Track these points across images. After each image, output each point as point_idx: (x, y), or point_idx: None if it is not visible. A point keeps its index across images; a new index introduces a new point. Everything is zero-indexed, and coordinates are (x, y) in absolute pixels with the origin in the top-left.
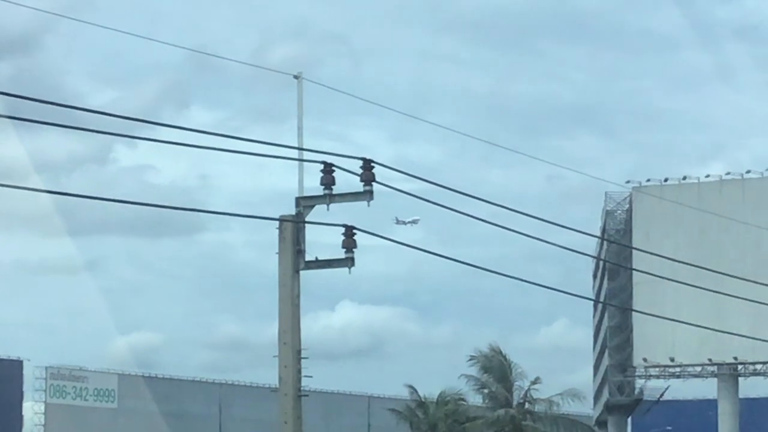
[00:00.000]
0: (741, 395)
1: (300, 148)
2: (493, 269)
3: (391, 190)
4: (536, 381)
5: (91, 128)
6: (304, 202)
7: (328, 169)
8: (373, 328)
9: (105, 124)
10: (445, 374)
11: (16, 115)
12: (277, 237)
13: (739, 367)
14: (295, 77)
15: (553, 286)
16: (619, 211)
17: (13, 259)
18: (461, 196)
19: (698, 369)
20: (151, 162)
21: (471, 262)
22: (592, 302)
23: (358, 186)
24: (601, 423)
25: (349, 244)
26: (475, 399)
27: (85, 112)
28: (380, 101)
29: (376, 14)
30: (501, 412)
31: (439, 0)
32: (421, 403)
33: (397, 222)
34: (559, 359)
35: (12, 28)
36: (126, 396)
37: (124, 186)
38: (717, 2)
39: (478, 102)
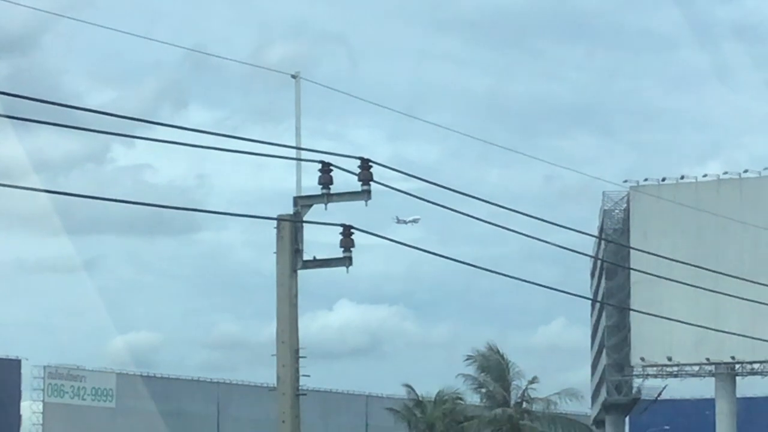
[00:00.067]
0: (738, 394)
1: (298, 148)
2: (490, 269)
3: (389, 189)
4: (534, 380)
5: (89, 128)
6: (302, 202)
7: (325, 169)
8: (371, 328)
9: (103, 124)
10: (442, 373)
11: (15, 115)
12: (275, 236)
13: (737, 366)
14: (293, 77)
15: (551, 286)
16: (616, 211)
17: (11, 259)
18: (459, 195)
19: (696, 368)
20: (149, 161)
21: (469, 262)
22: (589, 301)
23: (355, 185)
24: (599, 422)
25: (347, 243)
26: (472, 398)
27: (83, 112)
28: (378, 101)
29: (374, 14)
30: (498, 411)
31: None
32: (419, 403)
33: (398, 221)
34: (557, 358)
35: (10, 28)
36: (124, 395)
37: (122, 185)
38: (716, 2)
39: (476, 101)
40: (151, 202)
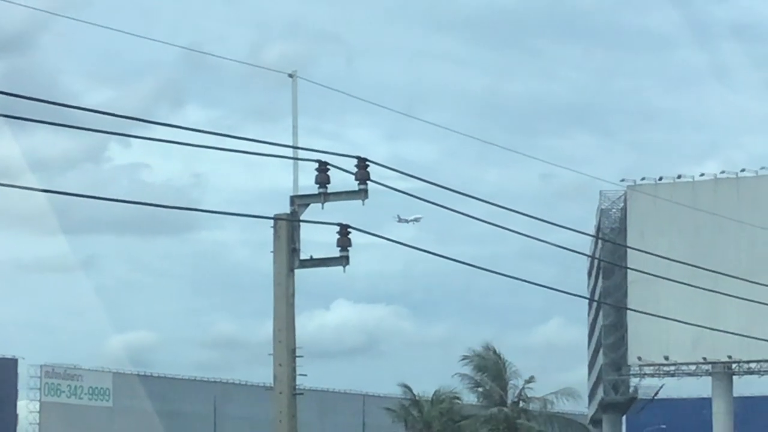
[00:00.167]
0: (735, 394)
1: (295, 147)
2: (488, 268)
3: (386, 188)
4: (531, 379)
5: (85, 127)
6: (299, 201)
7: (322, 168)
8: (368, 327)
9: (100, 123)
10: (440, 373)
11: (12, 114)
12: (271, 236)
13: (734, 365)
14: (290, 76)
15: (548, 285)
16: (613, 210)
17: (8, 258)
18: (456, 194)
19: (693, 367)
20: (146, 161)
21: (466, 261)
22: (586, 301)
23: (352, 185)
24: (596, 421)
25: (344, 242)
26: (469, 398)
27: (81, 111)
28: (375, 100)
29: (371, 13)
30: (495, 410)
31: None
32: (416, 402)
33: (400, 220)
34: (554, 358)
35: (7, 27)
36: (121, 395)
37: (119, 185)
38: (713, 1)
39: (474, 100)
40: (148, 201)
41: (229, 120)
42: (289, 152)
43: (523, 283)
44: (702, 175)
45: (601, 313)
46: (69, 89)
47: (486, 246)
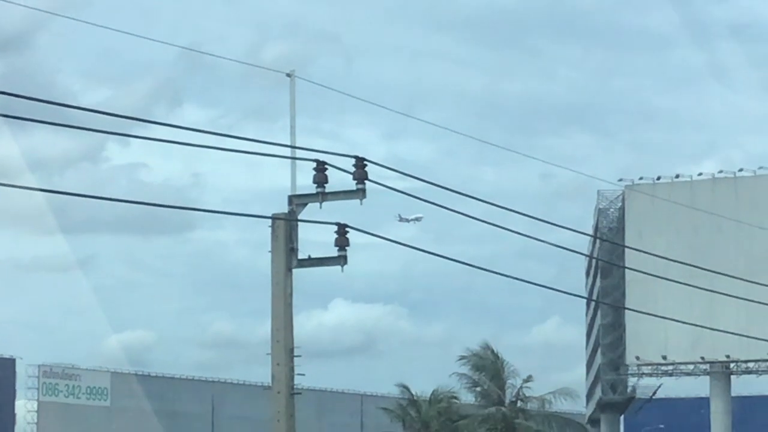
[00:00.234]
0: (733, 393)
1: (293, 147)
2: (486, 267)
3: (384, 188)
4: (529, 379)
5: (84, 126)
6: (297, 201)
7: (320, 168)
8: (365, 327)
9: (98, 123)
10: (437, 372)
11: (10, 114)
12: (269, 235)
13: (732, 365)
14: (288, 75)
15: (546, 285)
16: (611, 209)
17: (6, 257)
18: (454, 194)
19: (691, 367)
20: (144, 160)
21: (464, 261)
22: (585, 300)
23: (350, 184)
24: (594, 421)
25: (342, 242)
26: (467, 397)
27: (79, 111)
28: (373, 100)
29: (369, 13)
30: (493, 410)
31: None
32: (414, 402)
33: (401, 219)
34: (552, 357)
35: (5, 26)
36: (119, 394)
37: (117, 184)
38: (712, 1)
39: (472, 100)
40: (146, 201)
41: (228, 120)
42: (287, 152)
43: (522, 282)
44: (700, 174)
45: (599, 313)
46: (67, 89)
47: (484, 246)
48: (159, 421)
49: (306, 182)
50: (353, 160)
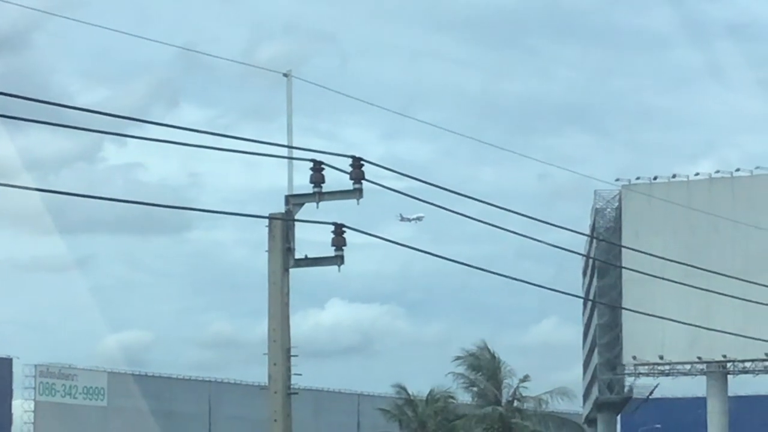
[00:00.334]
0: (730, 393)
1: (290, 146)
2: (483, 267)
3: (381, 188)
4: (525, 379)
5: (80, 126)
6: (294, 200)
7: (317, 167)
8: (362, 326)
9: (95, 122)
10: (434, 372)
11: (6, 114)
12: (266, 235)
13: (729, 365)
14: (285, 75)
15: (543, 284)
16: (608, 209)
17: (3, 258)
18: (452, 194)
19: (687, 367)
20: (141, 160)
21: (461, 260)
22: (581, 300)
23: (347, 184)
24: (591, 421)
25: (339, 242)
26: (464, 397)
27: (75, 111)
28: (370, 99)
29: (365, 12)
30: (489, 409)
31: None
32: (411, 401)
33: (402, 219)
34: (549, 357)
35: (1, 26)
36: (116, 394)
37: (114, 184)
38: (709, 1)
39: (469, 100)
40: (143, 200)
41: (225, 119)
42: (284, 152)
43: (519, 282)
44: (697, 174)
45: (596, 313)
46: (64, 89)
47: (482, 245)
48: (156, 421)
49: (303, 182)
50: (350, 160)
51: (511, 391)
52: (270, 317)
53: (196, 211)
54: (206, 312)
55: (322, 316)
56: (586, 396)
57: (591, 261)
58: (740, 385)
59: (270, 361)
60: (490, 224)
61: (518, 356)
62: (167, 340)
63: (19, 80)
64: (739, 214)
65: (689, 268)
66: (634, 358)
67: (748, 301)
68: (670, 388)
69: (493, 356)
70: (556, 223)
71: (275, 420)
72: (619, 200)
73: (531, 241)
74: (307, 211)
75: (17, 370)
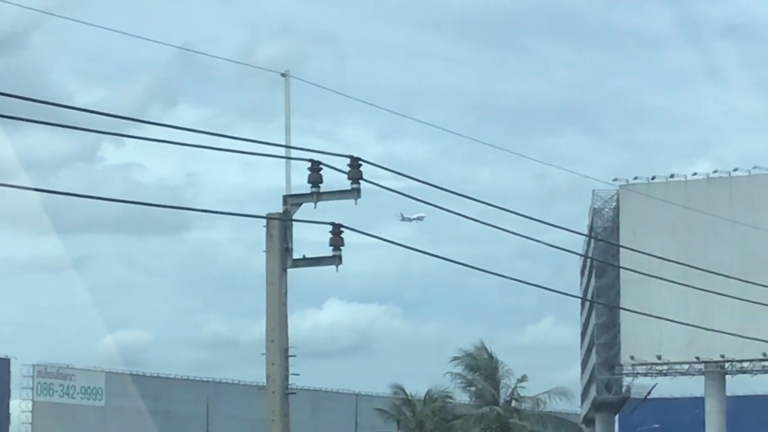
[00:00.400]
0: (728, 393)
1: (288, 146)
2: (480, 267)
3: (379, 188)
4: (523, 379)
5: (79, 126)
6: (292, 200)
7: (315, 167)
8: (360, 326)
9: (92, 123)
10: (432, 372)
11: (4, 113)
12: (264, 235)
13: (726, 365)
14: (283, 75)
15: (541, 284)
16: (606, 209)
17: (1, 257)
18: (449, 194)
19: (685, 367)
20: (138, 160)
21: (459, 260)
22: (579, 300)
23: (345, 184)
24: (589, 421)
25: (337, 242)
26: (462, 397)
27: (73, 111)
28: (368, 99)
29: (363, 12)
30: (487, 409)
31: None
32: (408, 401)
33: (403, 218)
34: (547, 357)
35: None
36: (113, 394)
37: (112, 184)
38: (706, 1)
39: (466, 100)
40: (141, 200)
41: (222, 119)
42: (281, 152)
43: (517, 282)
44: (694, 174)
45: (593, 313)
46: (62, 89)
47: (479, 245)
48: (154, 421)
49: (301, 182)
50: (348, 160)
51: (509, 391)
52: (268, 317)
53: (194, 211)
54: (204, 312)
55: (320, 316)
56: (584, 396)
57: (589, 261)
58: (738, 385)
59: (268, 361)
60: (487, 224)
61: (516, 356)
62: (165, 340)
63: (17, 80)
64: (736, 214)
65: (687, 268)
66: (632, 358)
67: (746, 301)
68: (668, 388)
69: (490, 356)
70: (553, 223)
71: (273, 420)
72: (617, 200)
73: (529, 241)
74: (305, 211)
75: (15, 370)
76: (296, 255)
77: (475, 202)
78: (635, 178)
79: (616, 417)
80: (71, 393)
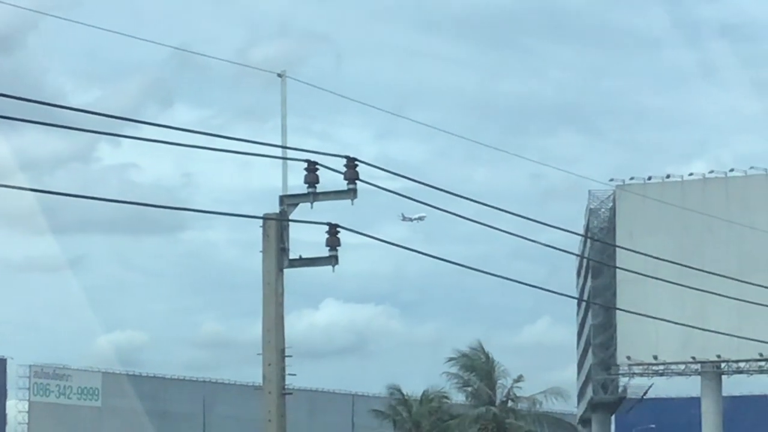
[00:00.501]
0: (724, 393)
1: (284, 147)
2: (477, 267)
3: (375, 188)
4: (519, 379)
5: (74, 126)
6: (288, 201)
7: (312, 168)
8: (357, 327)
9: (89, 123)
10: (429, 372)
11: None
12: (260, 235)
13: (723, 365)
14: (279, 75)
15: (537, 284)
16: (602, 209)
17: None
18: (446, 194)
19: (682, 367)
20: (134, 160)
21: (455, 261)
22: (575, 300)
23: (342, 184)
24: (585, 421)
25: (333, 242)
26: (458, 397)
27: (69, 111)
28: (365, 99)
29: (360, 13)
30: (483, 409)
31: None
32: (405, 401)
33: (404, 218)
34: (543, 357)
35: None
36: (110, 394)
37: (108, 184)
38: (702, 1)
39: (463, 100)
40: (137, 201)
41: (219, 120)
42: (278, 152)
43: (513, 282)
44: (691, 174)
45: (590, 313)
46: (58, 89)
47: (476, 246)
48: (150, 421)
49: (297, 182)
50: (344, 160)
51: (505, 391)
52: (264, 317)
53: (190, 211)
54: (200, 312)
55: (316, 316)
56: (580, 396)
57: (585, 261)
58: (734, 385)
59: (264, 362)
60: (484, 224)
61: (512, 356)
62: (161, 340)
63: (12, 80)
64: (733, 214)
65: (683, 268)
66: (629, 358)
67: (742, 301)
68: (664, 388)
69: (487, 356)
70: (550, 223)
71: (270, 420)
72: (613, 200)
73: (525, 241)
74: (302, 211)
75: (11, 370)
76: (293, 255)
77: (471, 202)
78: (631, 178)
79: (613, 417)
80: (68, 393)
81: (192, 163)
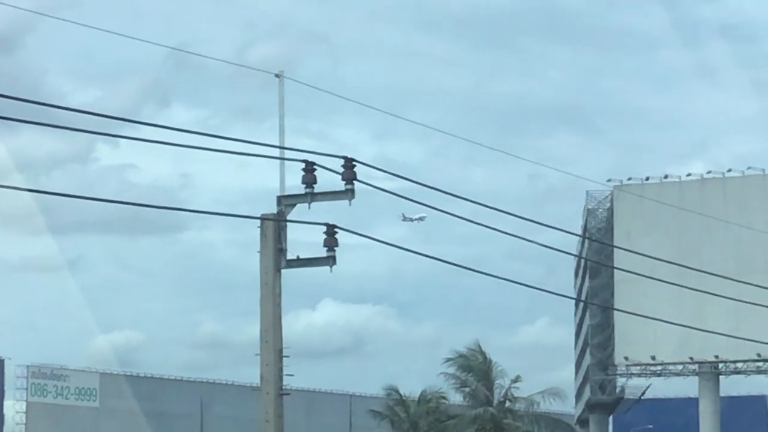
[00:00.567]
0: (722, 393)
1: (281, 147)
2: (474, 268)
3: (373, 188)
4: (517, 379)
5: (72, 127)
6: (286, 201)
7: (309, 168)
8: (354, 327)
9: (86, 123)
10: (426, 372)
11: None
12: (258, 236)
13: (720, 365)
14: (277, 76)
15: (535, 285)
16: (600, 210)
17: None
18: (443, 194)
19: (679, 367)
20: (132, 161)
21: (452, 261)
22: (573, 301)
23: (339, 185)
24: (583, 421)
25: (331, 242)
26: (455, 397)
27: (67, 111)
28: (362, 100)
29: (357, 13)
30: (480, 410)
31: None
32: (402, 402)
33: (404, 219)
34: (541, 358)
35: None
36: (108, 395)
37: (106, 185)
38: (700, 1)
39: (460, 100)
40: (134, 201)
41: (216, 120)
42: (275, 152)
43: (510, 283)
44: (689, 175)
45: (587, 313)
46: (56, 89)
47: (473, 246)
48: (148, 422)
49: (295, 183)
50: (342, 161)
51: (503, 391)
52: (262, 318)
53: (187, 211)
54: (198, 312)
55: (314, 316)
56: (578, 396)
57: (583, 261)
58: (732, 386)
59: (262, 362)
60: (481, 225)
61: (510, 357)
62: (159, 340)
63: (10, 81)
64: (730, 214)
65: (681, 268)
66: (626, 358)
67: (740, 301)
68: (662, 388)
69: (484, 357)
70: (547, 224)
71: (267, 420)
72: (611, 201)
73: (522, 241)
74: (299, 211)
75: (9, 370)
76: (290, 256)
77: (468, 202)
78: (629, 178)
79: (610, 418)
80: (65, 394)
81: (189, 164)
